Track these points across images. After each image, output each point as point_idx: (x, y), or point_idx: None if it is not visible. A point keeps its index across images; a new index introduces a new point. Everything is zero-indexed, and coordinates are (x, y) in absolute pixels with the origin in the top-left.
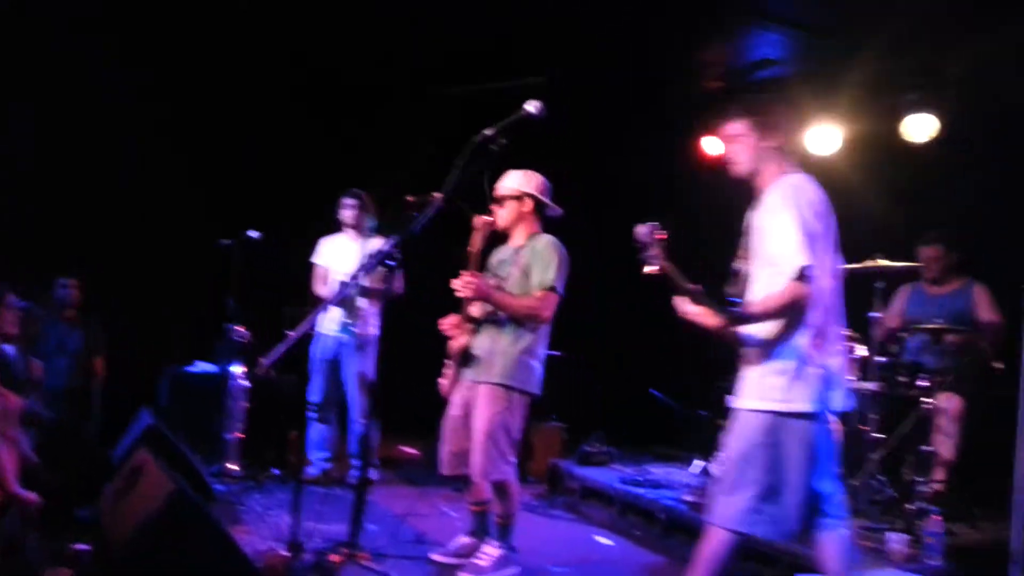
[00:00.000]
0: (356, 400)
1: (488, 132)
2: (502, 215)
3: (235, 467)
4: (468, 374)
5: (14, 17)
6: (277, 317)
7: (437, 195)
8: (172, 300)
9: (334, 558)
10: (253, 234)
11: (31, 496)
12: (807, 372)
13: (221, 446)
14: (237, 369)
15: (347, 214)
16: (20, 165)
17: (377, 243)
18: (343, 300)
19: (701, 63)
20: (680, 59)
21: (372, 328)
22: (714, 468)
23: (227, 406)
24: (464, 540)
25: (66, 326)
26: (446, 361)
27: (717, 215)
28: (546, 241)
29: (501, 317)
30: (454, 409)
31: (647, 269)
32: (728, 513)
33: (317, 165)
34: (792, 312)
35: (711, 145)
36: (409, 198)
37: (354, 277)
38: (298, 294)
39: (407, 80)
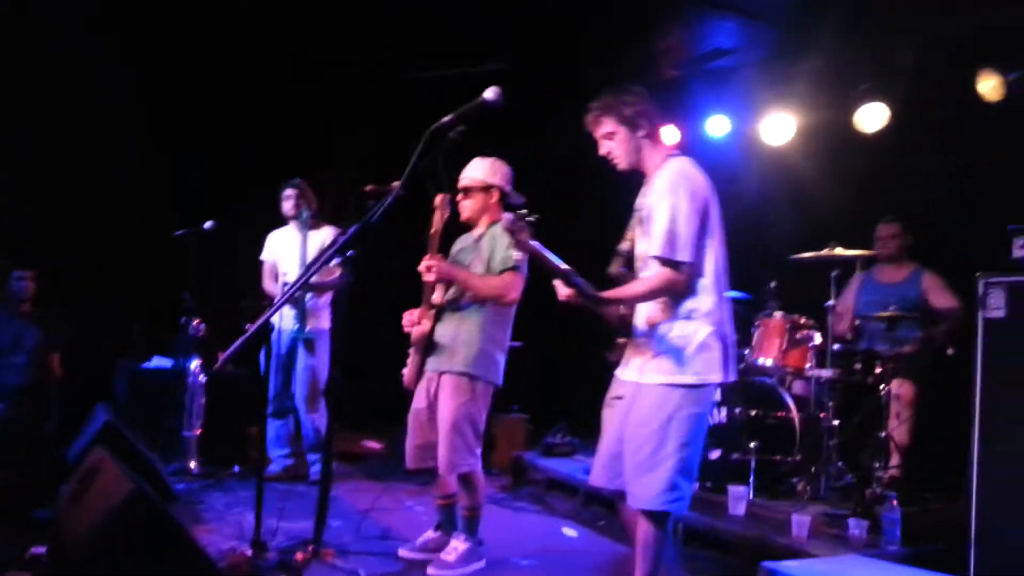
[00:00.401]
0: (303, 395)
1: (446, 120)
2: (467, 206)
3: (195, 465)
4: (431, 364)
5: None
6: (234, 311)
7: (395, 184)
8: (126, 293)
9: (299, 556)
10: (208, 225)
11: None
12: (710, 344)
13: (180, 443)
14: (194, 364)
15: (287, 205)
16: None
17: (322, 234)
18: (291, 299)
19: (657, 51)
20: (637, 47)
21: (324, 322)
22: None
23: (185, 402)
24: (431, 535)
25: (22, 321)
26: (408, 351)
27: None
28: None
29: (464, 303)
30: (418, 402)
31: (515, 255)
32: (650, 494)
33: (272, 153)
34: (666, 295)
35: (667, 135)
36: (367, 188)
37: (303, 274)
38: (255, 287)
39: (364, 65)
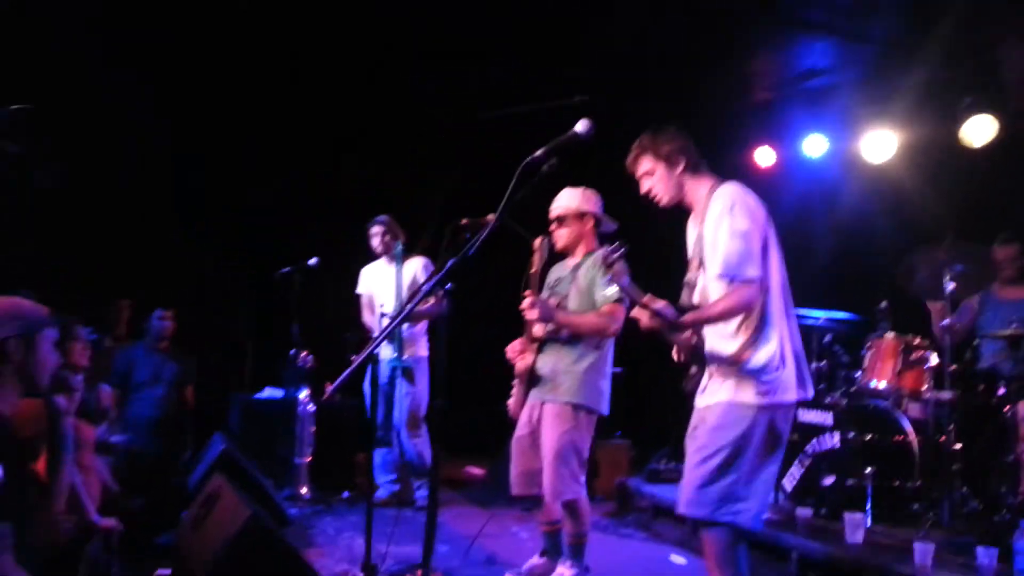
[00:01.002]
0: (404, 421)
1: (538, 153)
2: (562, 235)
3: (306, 491)
4: (534, 394)
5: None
6: (339, 343)
7: (490, 217)
8: (238, 328)
9: None
10: (312, 261)
11: (111, 523)
12: (781, 363)
13: (291, 470)
14: (304, 394)
15: (375, 241)
16: (79, 197)
17: (414, 264)
18: (390, 332)
19: (751, 73)
20: (727, 72)
21: (422, 350)
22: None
23: (296, 431)
24: (537, 560)
25: (161, 357)
26: (512, 382)
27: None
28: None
29: (564, 336)
30: (521, 429)
31: (611, 290)
32: (710, 505)
33: (363, 193)
34: (741, 312)
35: (764, 156)
36: (463, 221)
37: (403, 307)
38: (356, 320)
39: (449, 104)
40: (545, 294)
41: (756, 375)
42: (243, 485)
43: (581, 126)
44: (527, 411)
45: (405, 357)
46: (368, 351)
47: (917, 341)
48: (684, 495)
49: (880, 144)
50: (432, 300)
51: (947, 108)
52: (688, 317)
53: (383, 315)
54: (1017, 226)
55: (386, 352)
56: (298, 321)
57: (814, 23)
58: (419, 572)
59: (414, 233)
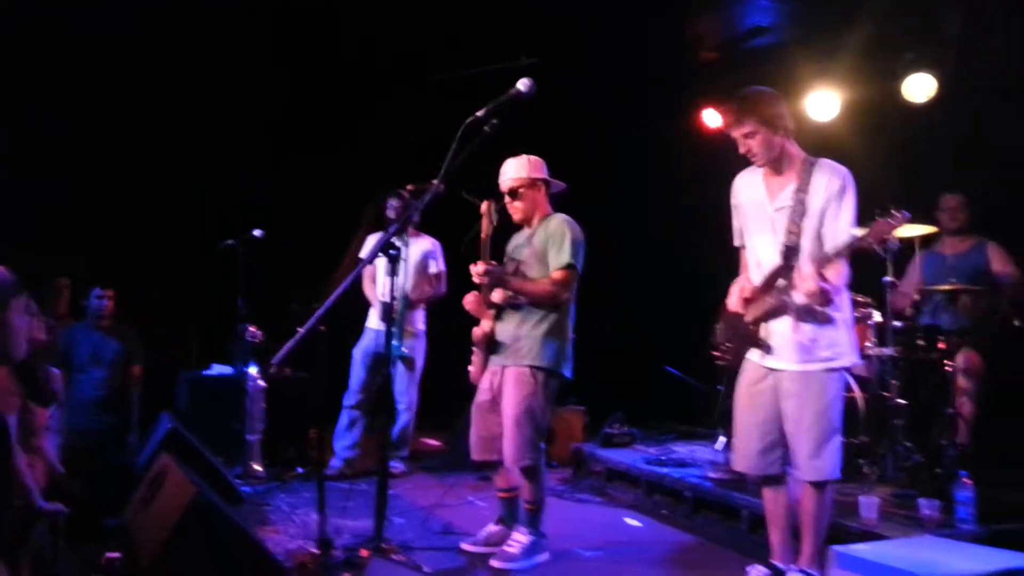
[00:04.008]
0: (404, 394)
1: (479, 114)
2: (517, 207)
3: (259, 468)
4: (495, 360)
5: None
6: (287, 315)
7: (433, 182)
8: (182, 304)
9: (363, 553)
10: (257, 233)
11: (56, 507)
12: (850, 328)
13: (243, 447)
14: (253, 370)
15: (390, 213)
16: (21, 169)
17: (422, 245)
18: (389, 317)
19: (694, 34)
20: (673, 31)
21: (419, 324)
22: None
23: (246, 407)
24: (493, 528)
25: (101, 336)
26: (472, 348)
27: (718, 186)
28: (558, 220)
29: (522, 301)
30: (481, 395)
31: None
32: (830, 466)
33: (313, 160)
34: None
35: (710, 118)
36: (407, 187)
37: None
38: (307, 292)
39: (397, 68)
40: (507, 262)
41: (842, 341)
42: (192, 464)
43: (523, 85)
44: (488, 377)
45: (405, 343)
46: (311, 322)
47: (860, 299)
48: (807, 463)
49: (824, 103)
50: (429, 285)
51: (888, 66)
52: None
53: (382, 302)
54: (959, 182)
55: (373, 321)
56: (244, 295)
57: None
58: (373, 545)
59: (366, 200)
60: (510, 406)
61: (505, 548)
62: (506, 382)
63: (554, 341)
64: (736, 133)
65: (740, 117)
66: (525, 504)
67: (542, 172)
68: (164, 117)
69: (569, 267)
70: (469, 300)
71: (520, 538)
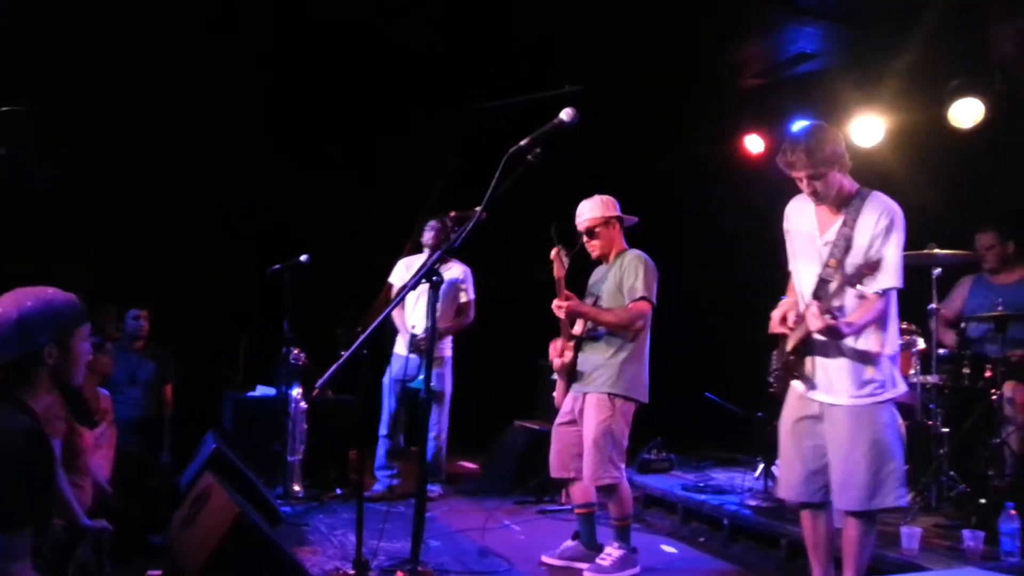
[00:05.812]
0: (434, 426)
1: (523, 143)
2: (596, 245)
3: (299, 488)
4: (576, 387)
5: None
6: (331, 339)
7: (476, 209)
8: (229, 327)
9: (399, 575)
10: (303, 258)
11: (102, 524)
12: (894, 360)
13: (284, 468)
14: (296, 392)
15: (427, 236)
16: (69, 197)
17: (454, 272)
18: (417, 350)
19: (738, 60)
20: (716, 58)
21: (447, 351)
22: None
23: (288, 428)
24: (569, 543)
25: (137, 357)
26: (553, 377)
27: (759, 213)
28: (632, 255)
29: (599, 332)
30: (562, 417)
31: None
32: (890, 494)
33: (355, 188)
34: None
35: (753, 144)
36: (451, 213)
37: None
38: (351, 316)
39: (439, 96)
40: (586, 297)
41: (888, 374)
42: (235, 484)
43: (566, 114)
44: (569, 401)
45: (434, 381)
46: (355, 346)
47: (904, 326)
48: (858, 493)
49: (868, 129)
50: (457, 313)
51: (934, 91)
52: (851, 320)
53: (413, 335)
54: (1005, 210)
55: (401, 347)
56: (289, 318)
57: (803, 7)
58: (409, 567)
59: (409, 226)
60: (590, 428)
61: (599, 561)
62: (587, 407)
63: (630, 368)
64: (798, 174)
65: (809, 160)
66: (613, 521)
67: (615, 210)
68: (216, 144)
69: (643, 299)
70: (554, 348)
71: (612, 551)
